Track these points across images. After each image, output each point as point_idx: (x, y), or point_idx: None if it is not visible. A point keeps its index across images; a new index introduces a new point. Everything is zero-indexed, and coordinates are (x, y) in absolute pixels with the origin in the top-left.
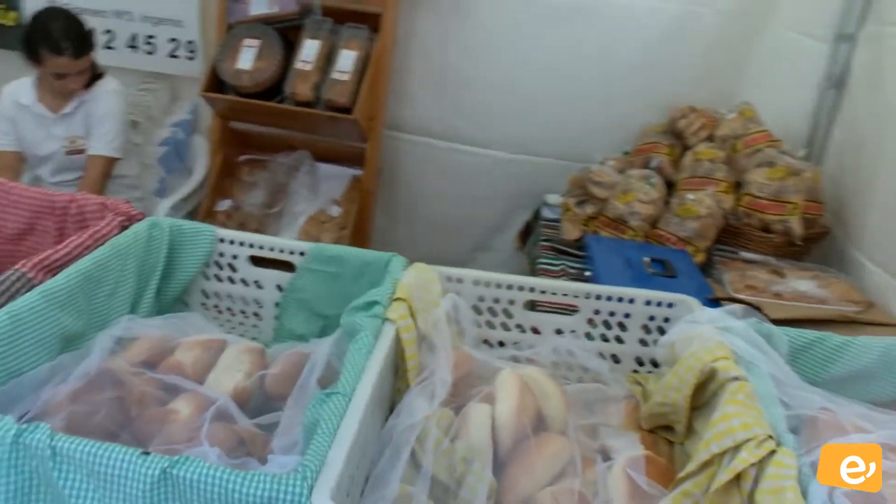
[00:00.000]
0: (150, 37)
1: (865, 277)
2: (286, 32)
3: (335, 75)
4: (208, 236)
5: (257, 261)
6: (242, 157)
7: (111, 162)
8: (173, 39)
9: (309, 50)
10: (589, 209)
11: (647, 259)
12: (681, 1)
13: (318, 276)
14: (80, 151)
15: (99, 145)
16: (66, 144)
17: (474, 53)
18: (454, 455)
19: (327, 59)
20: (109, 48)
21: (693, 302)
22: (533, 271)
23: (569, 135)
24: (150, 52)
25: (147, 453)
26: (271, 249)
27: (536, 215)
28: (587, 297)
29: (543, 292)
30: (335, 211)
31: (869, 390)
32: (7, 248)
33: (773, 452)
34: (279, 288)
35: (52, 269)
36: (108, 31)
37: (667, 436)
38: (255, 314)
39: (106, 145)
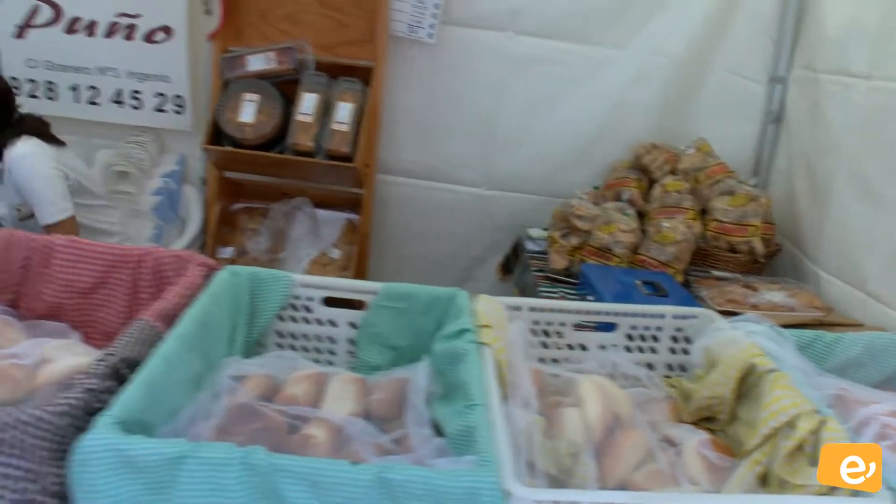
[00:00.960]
0: (137, 92)
1: (821, 286)
2: (281, 86)
3: (334, 126)
4: (286, 282)
5: (328, 301)
6: (236, 206)
7: (63, 224)
8: (160, 94)
9: (308, 103)
10: (573, 240)
11: (639, 282)
12: (638, 50)
13: (390, 312)
14: (33, 216)
15: (42, 217)
16: (16, 213)
17: (453, 100)
18: (558, 453)
19: (324, 111)
20: (94, 104)
21: (713, 314)
22: None
23: (541, 172)
24: (136, 107)
25: (356, 463)
26: (347, 290)
27: (515, 248)
28: (625, 315)
29: (588, 313)
30: (335, 253)
31: (859, 376)
32: (78, 302)
33: (822, 422)
34: (352, 325)
35: (166, 318)
36: (93, 88)
37: (708, 426)
38: (329, 350)
39: (46, 216)
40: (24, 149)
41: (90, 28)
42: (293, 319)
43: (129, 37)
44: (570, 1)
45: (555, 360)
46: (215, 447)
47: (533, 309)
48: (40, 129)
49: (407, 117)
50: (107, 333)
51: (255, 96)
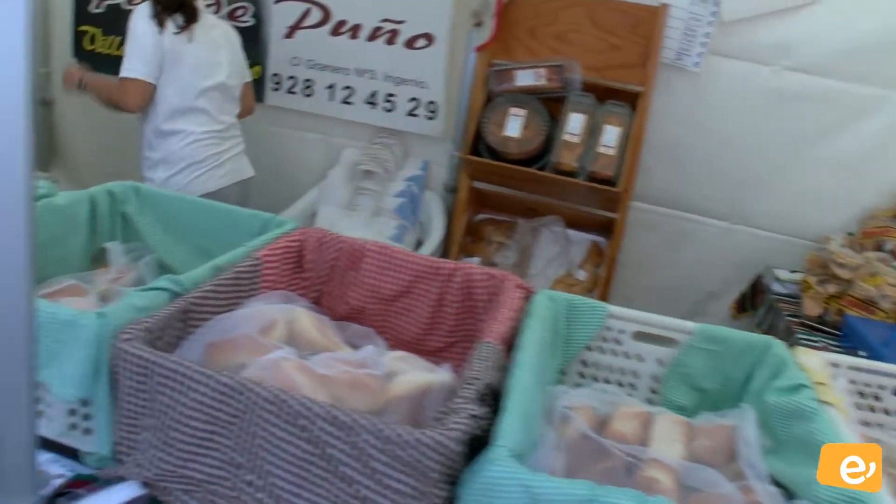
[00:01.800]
0: (391, 95)
1: None
2: (544, 104)
3: (601, 149)
4: (601, 312)
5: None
6: (479, 216)
7: (125, 84)
8: (414, 99)
9: (575, 123)
10: (830, 288)
11: None
12: None
13: (703, 354)
14: None
15: None
16: None
17: (709, 131)
18: None
19: (589, 133)
20: (347, 103)
21: None
22: None
23: (790, 212)
24: (388, 110)
25: None
26: (660, 327)
27: (755, 286)
28: None
29: None
30: (581, 275)
31: None
32: (379, 308)
33: None
34: (658, 362)
35: (504, 342)
36: (348, 88)
37: None
38: (631, 384)
39: (120, 70)
40: (138, 8)
41: (354, 31)
42: (601, 350)
43: (390, 41)
44: (848, 37)
45: (866, 424)
46: (623, 493)
47: (852, 367)
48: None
49: (661, 144)
50: (402, 341)
51: (521, 111)
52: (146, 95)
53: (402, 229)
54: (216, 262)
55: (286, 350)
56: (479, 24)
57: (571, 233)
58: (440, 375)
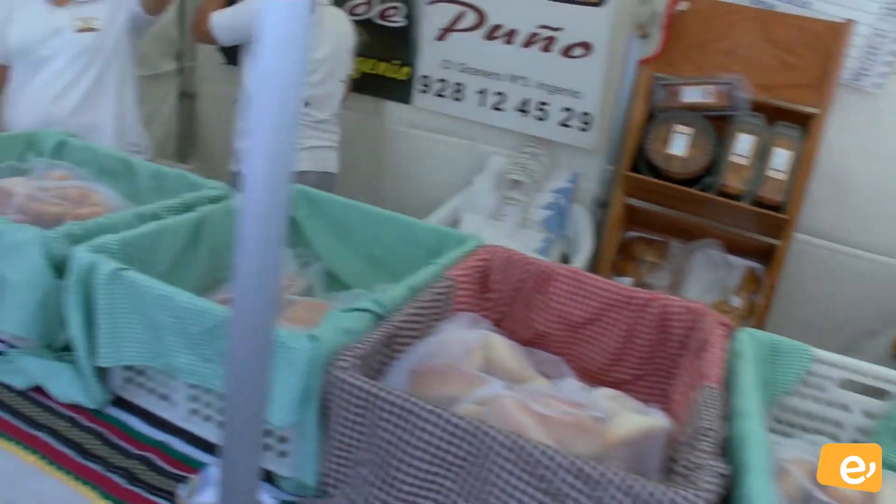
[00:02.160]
0: (544, 104)
1: None
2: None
3: (770, 172)
4: (806, 356)
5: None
6: (630, 234)
7: (203, 20)
8: (567, 109)
9: (744, 144)
10: None
11: None
12: None
13: None
14: None
15: None
16: None
17: (879, 157)
18: None
19: (758, 155)
20: (498, 110)
21: None
22: None
23: None
24: (540, 119)
25: None
26: (872, 377)
27: None
28: None
29: None
30: (735, 301)
31: None
32: (565, 335)
33: None
34: (865, 413)
35: (721, 385)
36: (500, 94)
37: None
38: (832, 435)
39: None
40: None
41: (509, 36)
42: (801, 396)
43: (546, 48)
44: None
45: None
46: None
47: None
48: None
49: (827, 170)
50: (586, 370)
51: (687, 129)
52: (208, 40)
53: (549, 242)
54: (411, 282)
55: (498, 384)
56: (645, 36)
57: (727, 257)
58: (657, 420)
